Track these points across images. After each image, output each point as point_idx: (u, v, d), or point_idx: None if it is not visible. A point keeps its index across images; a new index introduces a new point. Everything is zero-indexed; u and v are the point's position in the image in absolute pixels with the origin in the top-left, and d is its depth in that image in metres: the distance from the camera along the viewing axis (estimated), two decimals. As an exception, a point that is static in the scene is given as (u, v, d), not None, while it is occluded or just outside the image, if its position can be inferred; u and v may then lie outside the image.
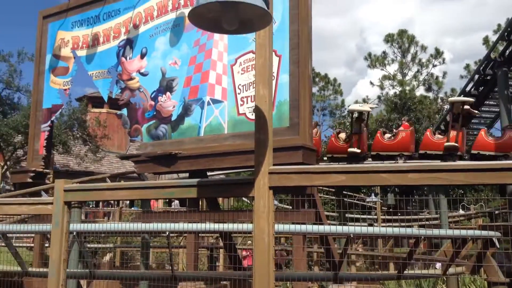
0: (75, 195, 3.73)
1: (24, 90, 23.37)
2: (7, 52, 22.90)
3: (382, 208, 19.72)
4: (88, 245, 11.68)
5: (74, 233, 6.06)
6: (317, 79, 41.84)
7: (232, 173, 15.24)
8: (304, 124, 7.76)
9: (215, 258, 14.51)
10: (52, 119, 11.42)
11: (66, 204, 3.72)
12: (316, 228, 5.07)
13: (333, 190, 19.90)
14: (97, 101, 31.78)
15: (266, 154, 3.04)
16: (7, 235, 7.33)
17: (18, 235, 12.11)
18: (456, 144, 13.39)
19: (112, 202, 22.79)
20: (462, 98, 16.32)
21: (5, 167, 22.46)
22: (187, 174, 9.73)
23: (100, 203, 22.79)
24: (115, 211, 19.57)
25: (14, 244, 7.85)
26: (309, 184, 3.10)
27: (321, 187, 17.12)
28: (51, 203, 3.80)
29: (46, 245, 10.53)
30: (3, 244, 9.12)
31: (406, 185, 2.70)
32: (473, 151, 13.75)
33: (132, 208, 22.27)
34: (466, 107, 14.26)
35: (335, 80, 43.74)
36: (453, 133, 13.72)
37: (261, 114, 3.04)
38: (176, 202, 25.17)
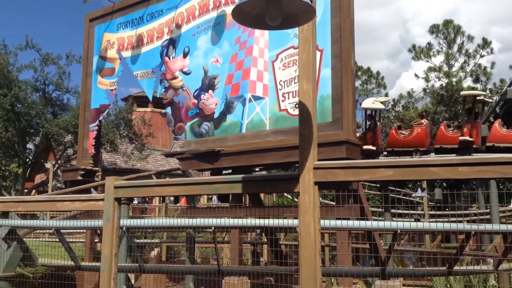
0: (125, 191, 3.85)
1: (73, 91, 24.15)
2: (56, 55, 23.73)
3: (429, 203, 19.22)
4: (136, 240, 12.00)
5: (124, 228, 6.25)
6: (359, 73, 41.16)
7: (272, 170, 15.27)
8: (348, 118, 7.67)
9: (259, 253, 14.60)
10: (100, 118, 11.80)
11: (116, 200, 3.84)
12: (363, 223, 5.00)
13: (378, 185, 19.56)
14: (142, 100, 32.57)
15: (311, 149, 3.03)
16: (60, 230, 7.64)
17: (69, 230, 12.60)
18: (373, 148, 13.20)
19: (147, 199, 23.38)
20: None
21: (56, 165, 23.38)
22: (229, 171, 9.83)
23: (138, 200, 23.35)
24: (160, 207, 20.00)
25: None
26: (355, 179, 3.06)
27: (364, 183, 16.86)
28: (102, 200, 3.94)
29: (96, 240, 10.90)
30: (56, 240, 9.48)
31: (454, 179, 2.62)
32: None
33: (177, 204, 22.70)
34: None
35: (378, 73, 42.86)
36: (369, 134, 13.56)
37: (305, 109, 3.03)
38: (214, 197, 25.39)
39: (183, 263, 12.12)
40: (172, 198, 24.08)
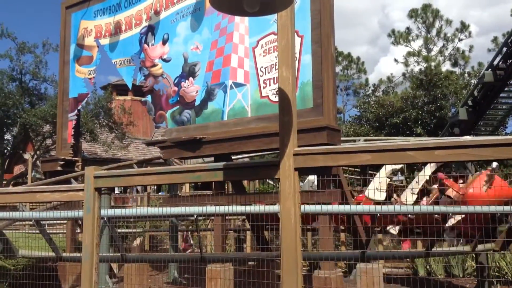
0: (105, 181, 3.82)
1: (50, 80, 23.74)
2: (32, 43, 23.25)
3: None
4: (118, 230, 11.95)
5: (105, 219, 6.23)
6: (340, 58, 41.29)
7: (256, 156, 15.29)
8: (328, 104, 7.71)
9: (242, 240, 14.68)
10: (78, 108, 11.63)
11: (96, 190, 3.81)
12: (343, 208, 5.07)
13: (358, 170, 19.72)
14: (121, 89, 32.20)
15: (290, 135, 3.05)
16: (41, 222, 7.57)
17: (50, 222, 12.46)
18: None
19: (128, 188, 23.16)
20: None
21: (35, 156, 23.04)
22: (211, 159, 9.81)
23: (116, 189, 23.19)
24: (142, 196, 19.92)
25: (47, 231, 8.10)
26: (334, 165, 3.10)
27: (346, 167, 16.97)
28: (82, 190, 3.91)
29: (78, 231, 10.82)
30: (37, 231, 9.39)
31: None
32: None
33: (160, 193, 22.64)
34: None
35: (358, 58, 43.08)
36: None
37: (284, 96, 3.05)
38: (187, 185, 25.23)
39: (167, 252, 12.13)
40: (155, 187, 23.97)
